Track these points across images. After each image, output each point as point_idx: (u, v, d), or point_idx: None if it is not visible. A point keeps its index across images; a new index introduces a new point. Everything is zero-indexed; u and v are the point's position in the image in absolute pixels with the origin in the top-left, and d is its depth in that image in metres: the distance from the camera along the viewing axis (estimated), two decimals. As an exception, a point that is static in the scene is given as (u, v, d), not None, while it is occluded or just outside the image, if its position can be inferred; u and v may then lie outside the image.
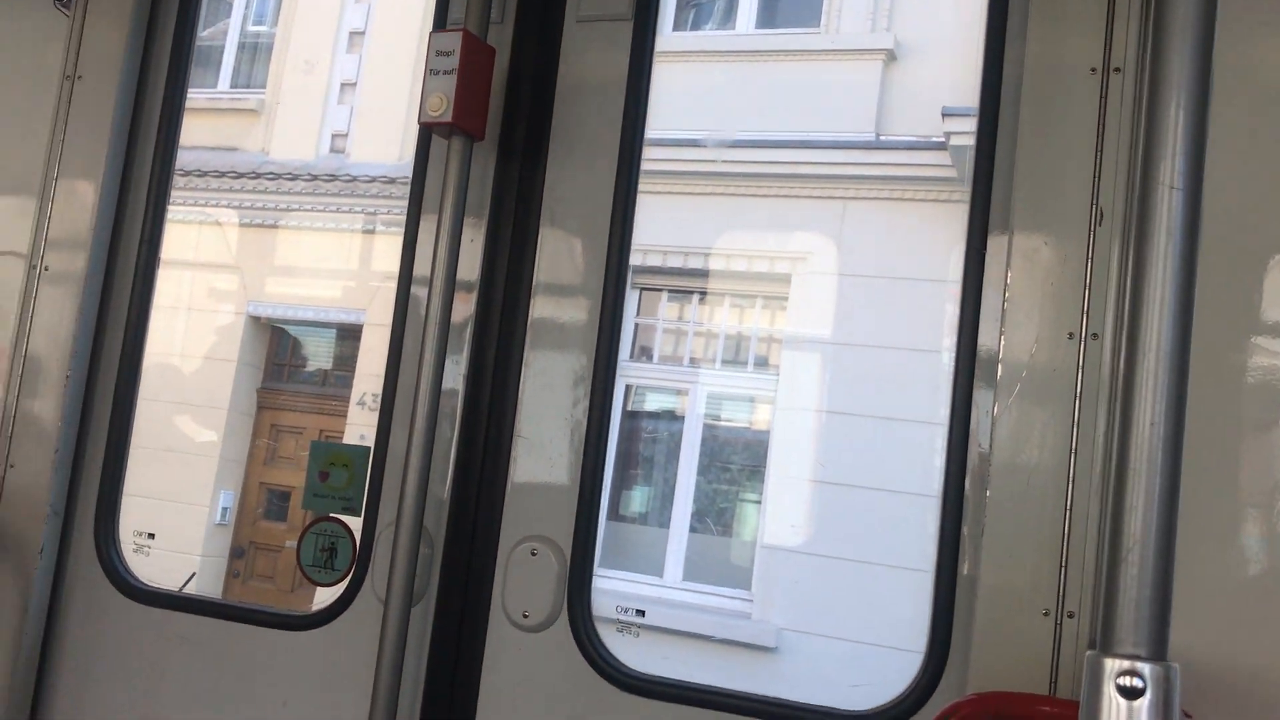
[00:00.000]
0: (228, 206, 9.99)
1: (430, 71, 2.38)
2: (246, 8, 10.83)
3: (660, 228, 8.37)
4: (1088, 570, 1.95)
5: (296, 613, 2.57)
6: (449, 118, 2.35)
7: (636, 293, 8.87)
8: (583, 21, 2.51)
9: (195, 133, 10.29)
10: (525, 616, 2.34)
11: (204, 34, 10.86)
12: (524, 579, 2.35)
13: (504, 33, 2.53)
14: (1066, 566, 1.97)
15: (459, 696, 2.37)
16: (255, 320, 9.97)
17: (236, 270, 9.98)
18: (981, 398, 2.11)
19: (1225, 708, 1.82)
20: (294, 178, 9.89)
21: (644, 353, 9.10)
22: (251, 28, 10.85)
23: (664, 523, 8.69)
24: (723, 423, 8.97)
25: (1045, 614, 1.98)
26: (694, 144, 8.27)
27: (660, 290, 8.90)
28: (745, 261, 8.61)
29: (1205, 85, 1.27)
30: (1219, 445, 1.89)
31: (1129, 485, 1.18)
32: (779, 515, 8.29)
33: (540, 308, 2.44)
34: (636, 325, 8.97)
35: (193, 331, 10.01)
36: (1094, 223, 2.02)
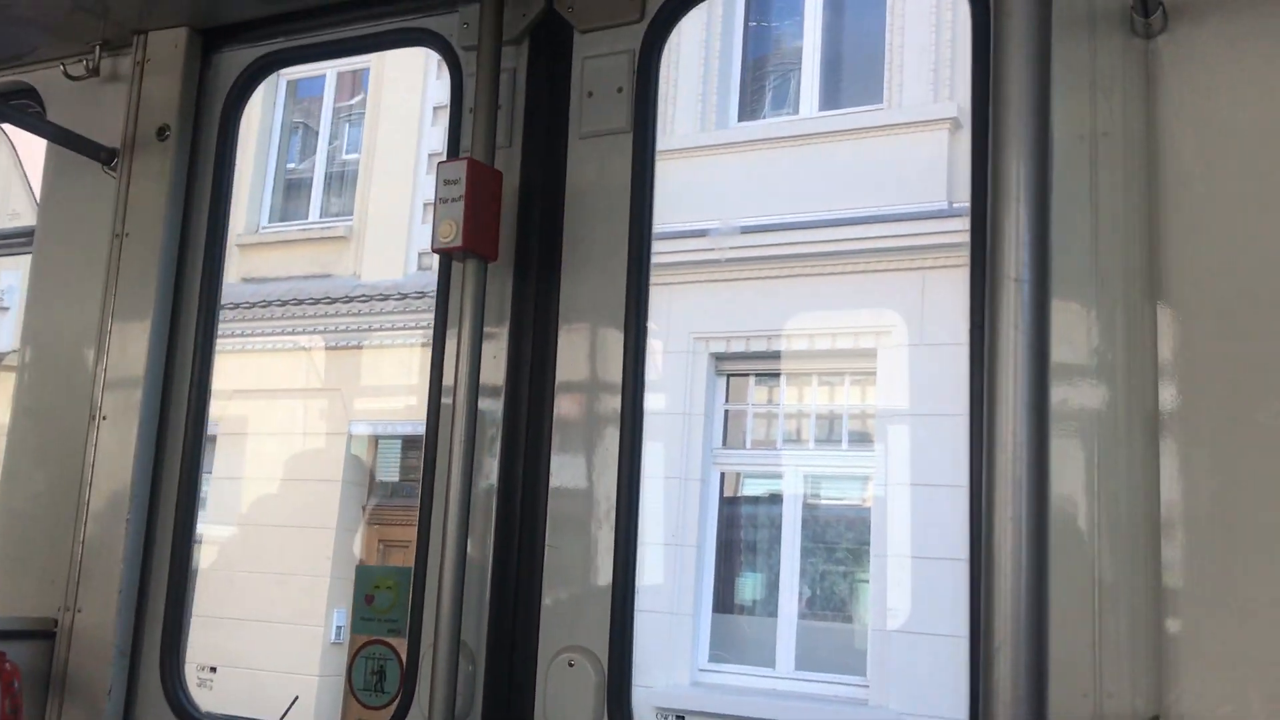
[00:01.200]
0: (323, 332, 10.35)
1: (440, 200, 2.46)
2: (332, 140, 11.34)
3: (740, 313, 8.38)
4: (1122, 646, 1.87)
5: (350, 739, 2.60)
6: (459, 243, 2.42)
7: (724, 380, 8.86)
8: (585, 138, 2.57)
9: (290, 263, 10.74)
10: (567, 729, 2.33)
11: (297, 167, 11.39)
12: (563, 691, 2.34)
13: (512, 155, 2.60)
14: (1100, 646, 1.89)
15: (508, 816, 2.35)
16: (356, 439, 10.24)
17: (336, 391, 10.29)
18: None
19: None
20: (385, 298, 10.21)
21: (740, 438, 9.05)
22: (344, 156, 11.34)
23: (772, 611, 8.54)
24: (823, 502, 8.83)
25: (1085, 696, 1.90)
26: (764, 229, 8.29)
27: (747, 375, 8.88)
28: (829, 340, 8.55)
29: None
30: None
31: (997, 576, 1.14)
32: (890, 595, 8.08)
33: (564, 410, 2.47)
34: (726, 412, 8.94)
35: (297, 455, 10.32)
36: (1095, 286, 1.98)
